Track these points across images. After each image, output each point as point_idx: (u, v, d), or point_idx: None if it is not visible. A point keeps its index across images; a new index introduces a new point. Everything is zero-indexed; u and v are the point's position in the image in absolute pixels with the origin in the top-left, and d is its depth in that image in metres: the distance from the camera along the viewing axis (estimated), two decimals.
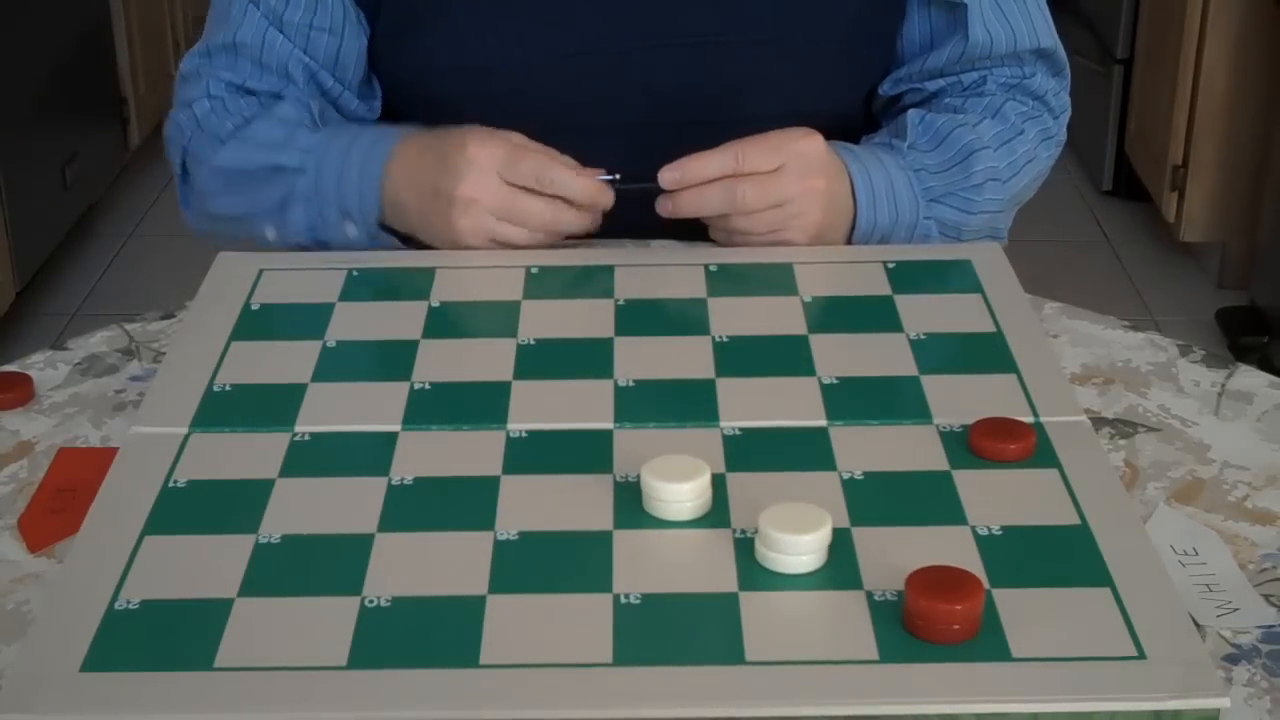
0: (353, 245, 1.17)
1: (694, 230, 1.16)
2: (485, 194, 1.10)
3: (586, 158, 1.12)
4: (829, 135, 1.15)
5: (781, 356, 0.99)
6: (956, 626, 0.73)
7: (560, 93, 1.20)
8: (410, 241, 1.17)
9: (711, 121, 1.17)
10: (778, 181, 1.11)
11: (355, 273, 1.10)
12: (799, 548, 0.78)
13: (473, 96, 1.20)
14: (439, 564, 0.79)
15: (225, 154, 1.20)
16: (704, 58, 1.20)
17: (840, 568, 0.78)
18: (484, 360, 0.98)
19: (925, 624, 0.73)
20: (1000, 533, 0.81)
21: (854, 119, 1.27)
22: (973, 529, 0.81)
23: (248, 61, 1.22)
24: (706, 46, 1.20)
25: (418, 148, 1.15)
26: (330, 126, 1.20)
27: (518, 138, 1.12)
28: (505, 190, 1.10)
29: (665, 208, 1.12)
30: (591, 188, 1.11)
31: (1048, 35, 1.26)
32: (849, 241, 1.17)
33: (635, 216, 1.14)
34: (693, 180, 1.11)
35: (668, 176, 1.11)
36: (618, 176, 1.12)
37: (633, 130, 1.19)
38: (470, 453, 0.88)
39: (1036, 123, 1.25)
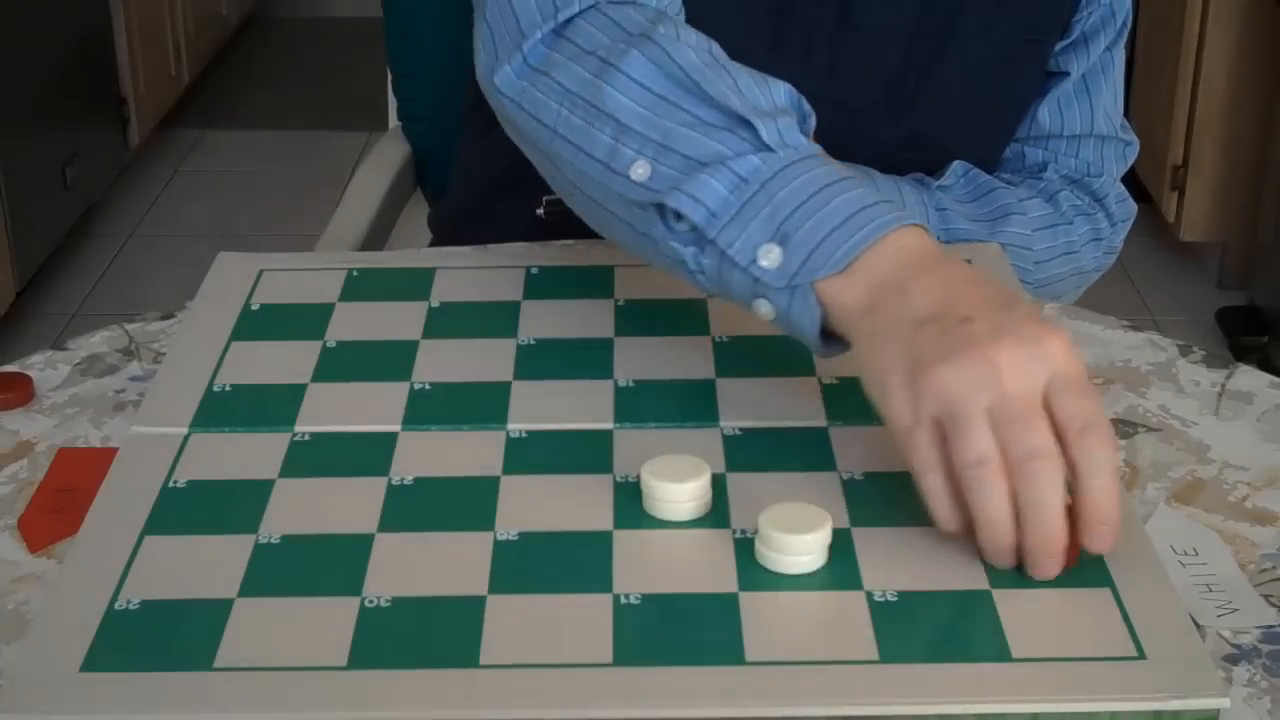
0: (714, 273, 0.87)
1: None
2: (983, 394, 0.75)
3: None
4: None
5: (781, 356, 0.99)
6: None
7: None
8: (827, 338, 0.85)
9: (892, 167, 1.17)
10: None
11: (355, 273, 1.10)
12: (799, 548, 0.78)
13: None
14: (439, 564, 0.79)
15: (688, 55, 0.91)
16: (899, 120, 1.19)
17: (840, 568, 0.78)
18: (484, 360, 0.98)
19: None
20: None
21: None
22: None
23: None
24: (910, 111, 1.19)
25: (935, 255, 0.83)
26: (816, 148, 0.89)
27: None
28: (1035, 403, 0.75)
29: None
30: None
31: (1126, 128, 1.27)
32: None
33: None
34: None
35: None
36: None
37: None
38: (470, 453, 0.88)
39: (1089, 220, 1.25)
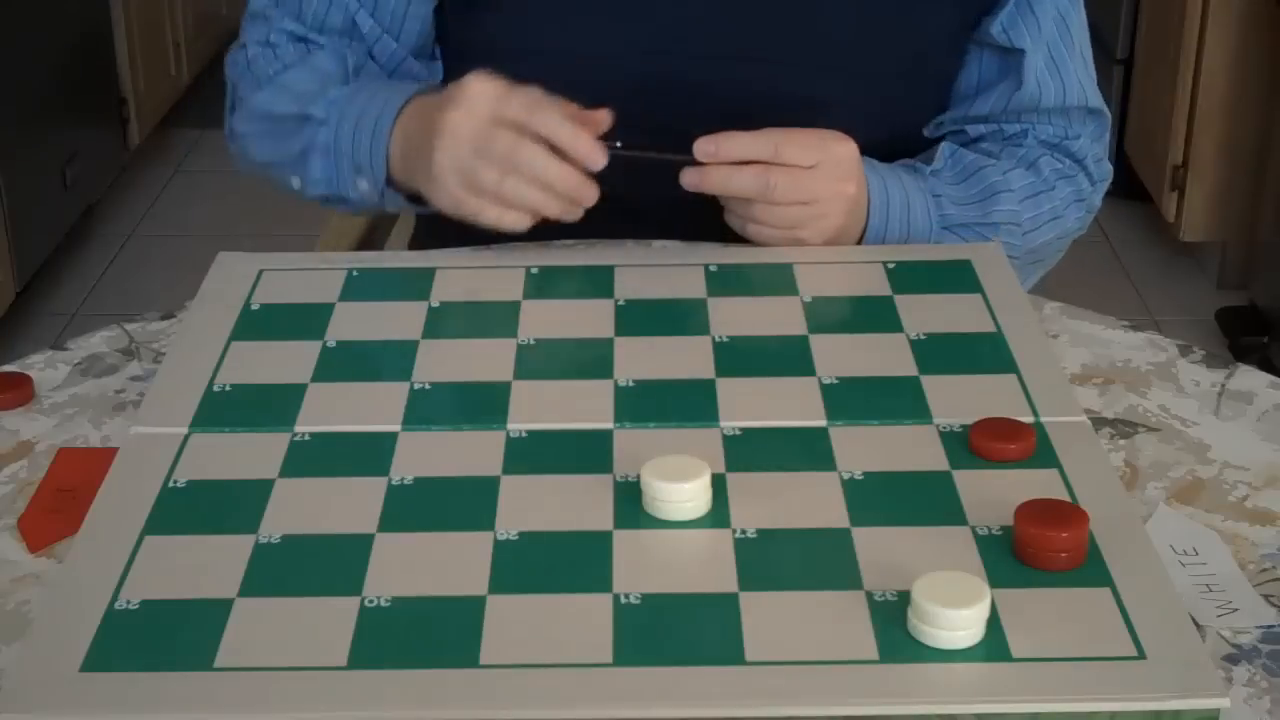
0: (363, 203, 1.19)
1: (694, 229, 1.16)
2: (467, 124, 1.07)
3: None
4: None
5: (781, 356, 0.99)
6: (1064, 554, 0.77)
7: (623, 90, 1.15)
8: (417, 202, 1.16)
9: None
10: (810, 179, 1.11)
11: (355, 273, 1.10)
12: (958, 622, 0.73)
13: (529, 82, 1.14)
14: (439, 564, 0.79)
15: (261, 98, 1.23)
16: (772, 75, 1.19)
17: (840, 567, 0.78)
18: (484, 360, 0.98)
19: (1035, 552, 0.78)
20: (1000, 533, 0.81)
21: (898, 155, 1.25)
22: (973, 529, 0.81)
23: (310, 10, 1.23)
24: (777, 64, 1.19)
25: (426, 98, 1.15)
26: (359, 81, 1.20)
27: (531, 89, 1.08)
28: (488, 124, 1.06)
29: (692, 180, 1.10)
30: (581, 140, 1.06)
31: (1095, 96, 1.26)
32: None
33: (636, 188, 1.09)
34: (727, 157, 1.09)
35: (703, 148, 1.09)
36: (619, 145, 1.08)
37: (684, 137, 1.13)
38: (470, 453, 0.88)
39: (1070, 182, 1.25)
